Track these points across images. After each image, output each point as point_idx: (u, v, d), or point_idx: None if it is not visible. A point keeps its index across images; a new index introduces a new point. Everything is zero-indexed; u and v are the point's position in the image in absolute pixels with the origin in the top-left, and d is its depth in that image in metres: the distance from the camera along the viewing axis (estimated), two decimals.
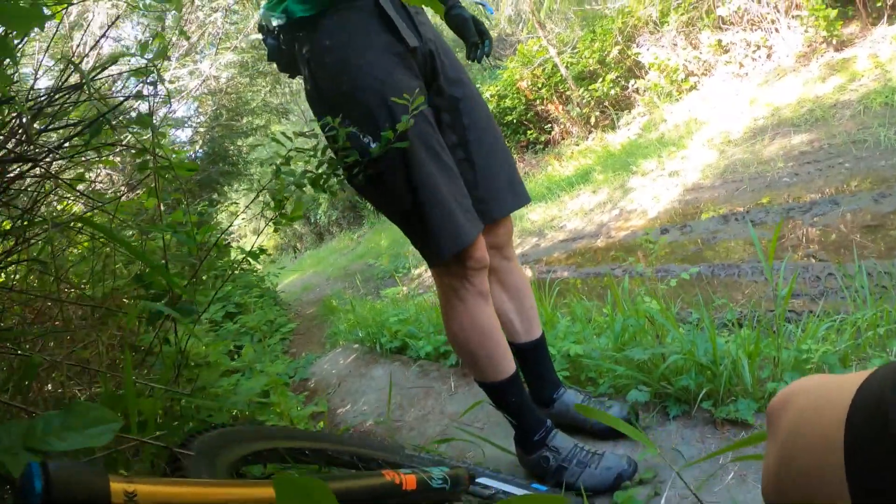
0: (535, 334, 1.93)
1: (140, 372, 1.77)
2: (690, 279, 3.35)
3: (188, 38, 6.30)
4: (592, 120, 10.47)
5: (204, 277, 1.96)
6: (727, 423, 1.68)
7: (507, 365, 1.73)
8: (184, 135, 7.74)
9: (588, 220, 5.81)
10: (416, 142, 1.56)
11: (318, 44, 1.61)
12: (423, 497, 1.10)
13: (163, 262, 1.57)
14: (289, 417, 2.52)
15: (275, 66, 1.85)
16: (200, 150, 7.82)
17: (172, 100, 6.59)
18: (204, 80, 6.68)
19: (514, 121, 11.72)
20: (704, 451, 1.61)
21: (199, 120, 7.89)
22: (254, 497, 0.74)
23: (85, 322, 1.83)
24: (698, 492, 1.47)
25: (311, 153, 1.63)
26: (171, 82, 6.24)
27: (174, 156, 1.59)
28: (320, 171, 1.63)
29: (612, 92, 10.12)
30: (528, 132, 11.70)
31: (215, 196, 7.93)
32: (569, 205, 6.66)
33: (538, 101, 11.48)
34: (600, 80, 10.23)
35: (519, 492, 1.64)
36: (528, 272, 5.13)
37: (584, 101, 10.51)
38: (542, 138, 11.61)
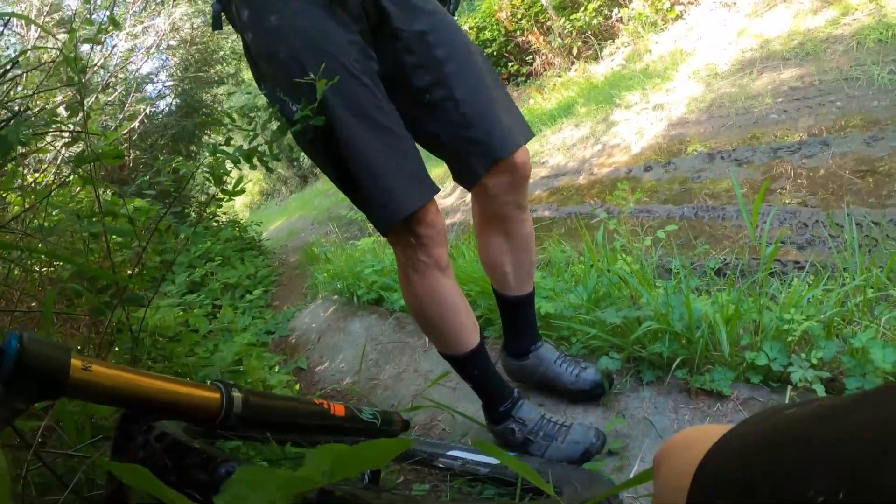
0: (527, 290, 1.83)
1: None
2: (673, 221, 3.26)
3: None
4: (575, 51, 10.15)
5: (157, 258, 1.87)
6: (702, 392, 1.60)
7: (469, 339, 1.64)
8: (153, 89, 7.51)
9: (570, 156, 5.67)
10: (341, 109, 1.40)
11: (239, 15, 1.48)
12: (352, 425, 1.13)
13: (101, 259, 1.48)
14: (262, 385, 2.46)
15: None
16: (173, 104, 7.59)
17: (135, 57, 6.36)
18: (162, 36, 6.45)
19: (494, 53, 11.34)
20: (677, 423, 1.54)
21: (166, 75, 7.67)
22: (197, 396, 0.83)
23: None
24: None
25: (253, 131, 1.51)
26: (131, 37, 6.01)
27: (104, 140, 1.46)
28: (254, 145, 1.52)
29: (595, 21, 9.77)
30: (509, 65, 11.35)
31: (193, 148, 7.71)
32: (550, 139, 6.48)
33: (518, 33, 11.09)
34: (582, 9, 9.85)
35: (489, 460, 1.59)
36: None
37: (566, 31, 10.17)
38: (524, 70, 11.25)
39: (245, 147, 1.61)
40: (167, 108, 7.66)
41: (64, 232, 1.74)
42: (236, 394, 0.86)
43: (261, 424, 0.93)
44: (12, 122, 1.26)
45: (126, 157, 6.82)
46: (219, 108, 8.65)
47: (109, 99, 5.89)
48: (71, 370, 0.67)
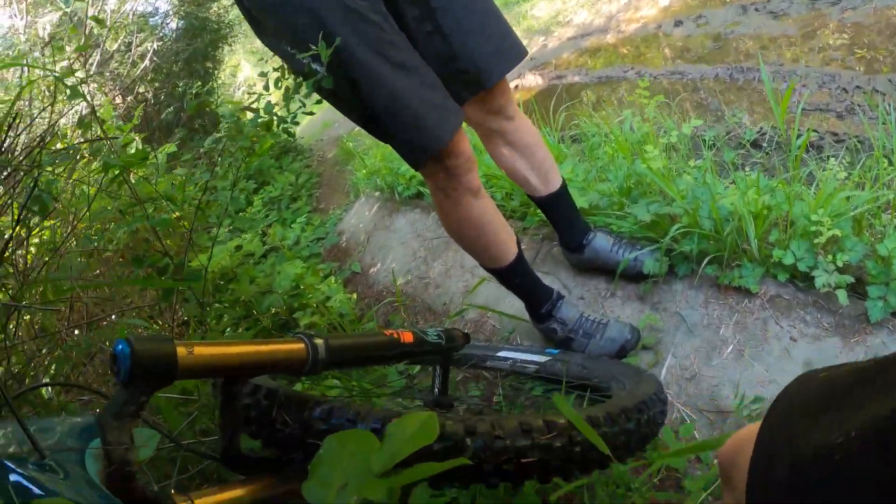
0: (555, 185, 1.88)
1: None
2: (707, 81, 3.16)
3: None
4: None
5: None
6: (731, 288, 1.66)
7: (507, 252, 1.72)
8: (155, 21, 7.30)
9: (596, 12, 5.41)
10: (359, 49, 1.40)
11: None
12: (420, 348, 1.22)
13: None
14: (323, 307, 2.62)
15: None
16: (179, 29, 7.40)
17: None
18: None
19: None
20: (707, 318, 1.63)
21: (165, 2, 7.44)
22: (285, 350, 0.92)
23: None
24: (699, 364, 1.51)
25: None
26: None
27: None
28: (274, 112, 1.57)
29: None
30: None
31: (209, 64, 7.59)
32: None
33: None
34: None
35: (536, 358, 1.72)
36: (539, 79, 4.90)
37: None
38: None
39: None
40: (173, 35, 7.52)
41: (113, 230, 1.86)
42: (318, 341, 0.96)
43: (341, 363, 1.03)
44: (38, 172, 1.35)
45: (147, 98, 6.85)
46: (226, 20, 8.40)
47: (116, 46, 5.85)
48: (178, 358, 0.76)
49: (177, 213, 1.86)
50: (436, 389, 1.47)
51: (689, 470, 1.35)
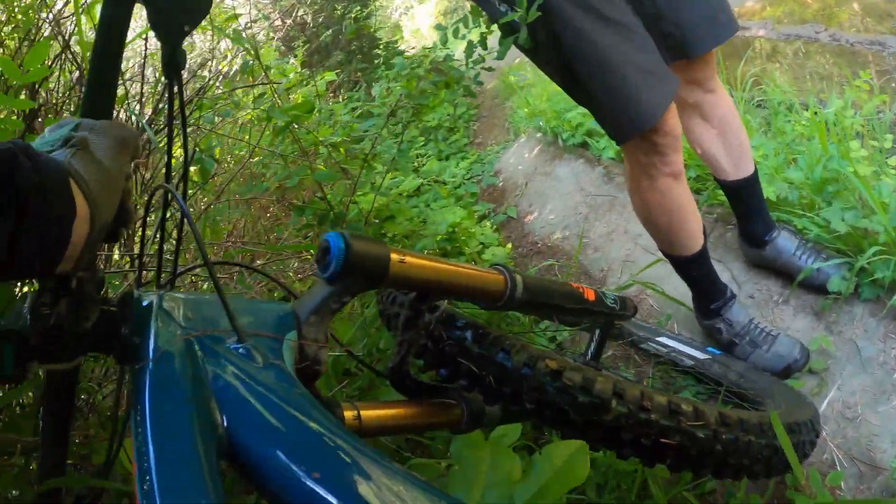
0: (746, 171, 1.75)
1: None
2: None
3: None
4: None
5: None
6: None
7: (693, 242, 1.64)
8: None
9: None
10: (564, 6, 1.29)
11: None
12: (598, 307, 1.22)
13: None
14: (477, 256, 2.69)
15: None
16: None
17: None
18: None
19: None
20: (884, 355, 1.51)
21: None
22: (485, 280, 0.92)
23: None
24: (864, 405, 1.42)
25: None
26: None
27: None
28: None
29: None
30: None
31: None
32: None
33: None
34: None
35: (695, 353, 1.69)
36: None
37: None
38: None
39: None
40: None
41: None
42: (517, 277, 0.96)
43: (531, 305, 1.01)
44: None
45: (306, 20, 7.00)
46: None
47: None
48: (390, 263, 0.74)
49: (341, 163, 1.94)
50: (589, 354, 1.47)
51: None
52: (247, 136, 2.36)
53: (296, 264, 2.33)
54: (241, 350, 0.62)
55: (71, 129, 0.58)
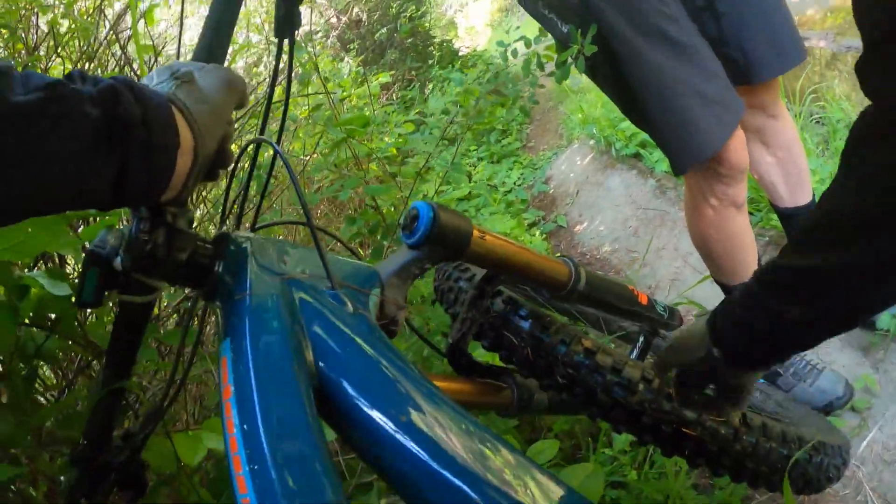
0: (803, 199, 1.70)
1: None
2: None
3: None
4: None
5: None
6: None
7: (745, 272, 1.58)
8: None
9: None
10: (622, 26, 1.26)
11: None
12: (649, 313, 1.23)
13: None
14: None
15: None
16: None
17: None
18: None
19: None
20: None
21: None
22: (552, 268, 0.95)
23: None
24: None
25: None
26: None
27: None
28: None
29: None
30: None
31: None
32: None
33: None
34: None
35: None
36: None
37: None
38: None
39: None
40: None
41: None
42: (581, 270, 0.99)
43: (590, 299, 1.04)
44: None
45: (361, 18, 7.10)
46: None
47: None
48: (472, 239, 0.78)
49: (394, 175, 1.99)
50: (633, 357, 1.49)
51: None
52: (299, 145, 2.43)
53: None
54: (334, 296, 0.66)
55: (179, 66, 0.59)
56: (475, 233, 0.79)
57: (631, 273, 2.71)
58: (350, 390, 0.55)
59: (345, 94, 2.20)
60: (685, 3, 1.36)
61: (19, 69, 0.41)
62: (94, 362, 1.17)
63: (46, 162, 0.41)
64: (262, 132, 0.88)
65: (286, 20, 0.77)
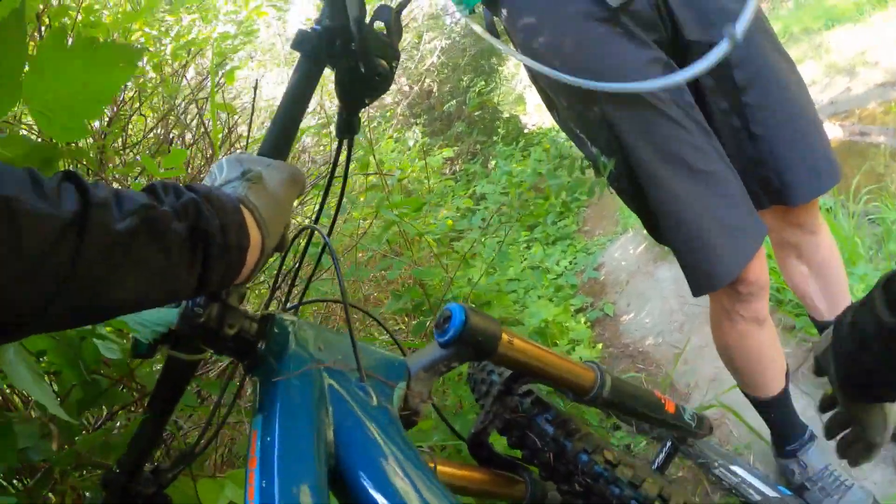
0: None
1: None
2: None
3: None
4: None
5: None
6: None
7: (772, 387, 1.62)
8: (450, 20, 7.87)
9: None
10: (645, 154, 1.28)
11: (512, 29, 1.40)
12: (675, 421, 1.24)
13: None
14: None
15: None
16: (468, 25, 7.78)
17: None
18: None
19: None
20: None
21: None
22: (577, 373, 0.99)
23: None
24: None
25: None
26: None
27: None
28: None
29: None
30: None
31: (494, 60, 7.86)
32: (883, 29, 5.32)
33: None
34: None
35: (765, 489, 1.67)
36: (839, 131, 4.36)
37: None
38: None
39: None
40: (462, 31, 7.95)
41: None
42: (607, 376, 1.03)
43: (615, 405, 1.08)
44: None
45: (432, 89, 7.43)
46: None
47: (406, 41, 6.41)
48: (500, 342, 0.82)
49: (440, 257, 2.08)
50: (656, 463, 1.47)
51: None
52: (357, 215, 2.56)
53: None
54: (361, 387, 0.72)
55: (249, 165, 0.66)
56: (504, 337, 0.83)
57: (671, 369, 2.70)
58: (362, 478, 0.62)
59: (403, 175, 2.34)
60: (720, 124, 1.38)
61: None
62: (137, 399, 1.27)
63: (145, 275, 0.49)
64: (316, 221, 0.96)
65: (346, 126, 0.85)
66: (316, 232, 0.85)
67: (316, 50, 0.77)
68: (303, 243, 0.94)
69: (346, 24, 0.75)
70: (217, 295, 0.68)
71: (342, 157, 0.87)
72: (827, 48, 6.08)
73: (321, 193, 0.94)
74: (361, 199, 2.29)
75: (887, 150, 3.65)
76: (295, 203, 0.81)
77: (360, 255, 2.62)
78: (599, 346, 3.02)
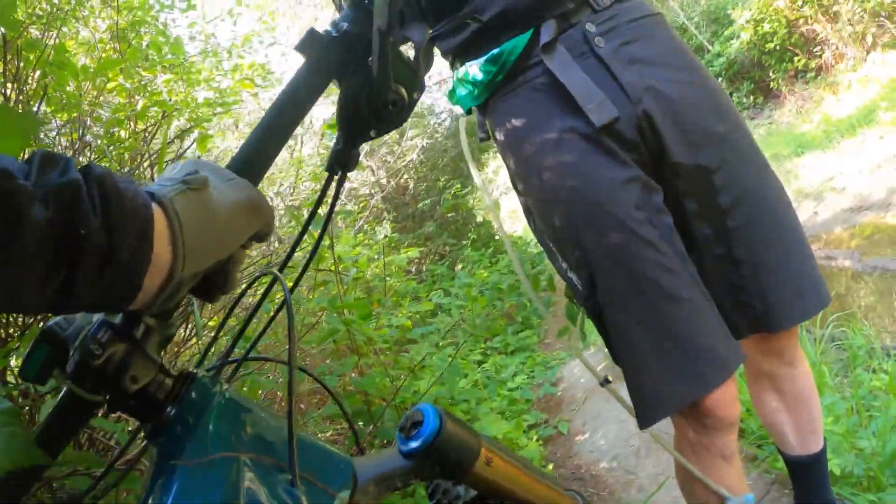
0: (813, 448, 1.56)
1: None
2: None
3: None
4: (869, 38, 8.79)
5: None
6: None
7: None
8: (434, 120, 8.11)
9: (876, 180, 4.77)
10: (612, 278, 1.22)
11: (496, 136, 1.38)
12: None
13: None
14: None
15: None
16: (451, 127, 8.09)
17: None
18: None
19: (777, 47, 10.20)
20: None
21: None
22: (557, 500, 0.84)
23: None
24: None
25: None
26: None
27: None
28: None
29: (890, 0, 8.23)
30: (795, 59, 10.11)
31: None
32: (850, 156, 5.53)
33: (801, 21, 9.85)
34: None
35: None
36: None
37: (856, 15, 8.78)
38: (812, 64, 10.01)
39: None
40: (446, 132, 8.12)
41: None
42: None
43: None
44: None
45: (409, 185, 7.54)
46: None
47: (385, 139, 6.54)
48: (477, 462, 0.67)
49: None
50: None
51: None
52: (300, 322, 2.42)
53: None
54: (290, 492, 0.55)
55: (202, 170, 0.51)
56: (482, 455, 0.68)
57: (625, 495, 2.52)
58: None
59: (358, 275, 2.21)
60: (703, 251, 1.31)
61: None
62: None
63: None
64: (281, 269, 0.76)
65: (341, 157, 0.70)
66: (276, 281, 0.69)
67: (324, 57, 0.64)
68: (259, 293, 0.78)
69: (367, 32, 0.62)
70: (130, 328, 0.51)
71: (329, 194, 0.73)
72: (796, 174, 6.28)
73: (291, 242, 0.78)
74: (313, 297, 2.14)
75: (851, 272, 3.66)
76: (252, 247, 0.63)
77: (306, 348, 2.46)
78: (550, 466, 2.83)
